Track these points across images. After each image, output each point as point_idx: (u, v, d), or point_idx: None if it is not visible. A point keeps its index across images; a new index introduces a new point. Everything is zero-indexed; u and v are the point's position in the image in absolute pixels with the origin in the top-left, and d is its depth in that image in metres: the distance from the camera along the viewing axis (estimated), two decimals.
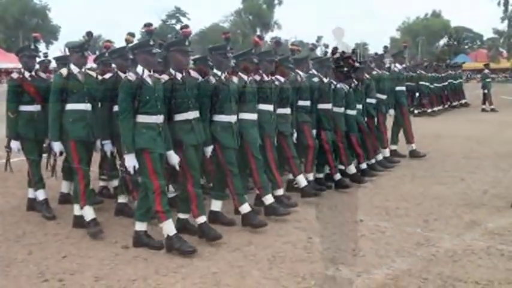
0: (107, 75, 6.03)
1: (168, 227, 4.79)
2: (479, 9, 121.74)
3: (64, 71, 5.45)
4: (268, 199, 5.83)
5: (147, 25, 5.07)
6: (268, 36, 70.37)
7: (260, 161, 5.74)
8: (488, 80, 20.27)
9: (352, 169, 7.62)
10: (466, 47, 78.60)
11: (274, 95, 6.19)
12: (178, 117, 5.04)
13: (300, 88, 6.80)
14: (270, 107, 6.09)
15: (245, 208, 5.52)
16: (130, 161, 4.74)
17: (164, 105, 4.89)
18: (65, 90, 5.37)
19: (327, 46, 7.93)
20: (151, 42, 4.89)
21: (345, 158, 7.54)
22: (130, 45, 5.36)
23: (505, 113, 18.99)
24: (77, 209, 5.54)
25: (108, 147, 5.87)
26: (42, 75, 6.28)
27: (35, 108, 6.01)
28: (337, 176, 7.35)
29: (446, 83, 19.72)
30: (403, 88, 9.89)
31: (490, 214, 6.16)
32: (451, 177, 8.16)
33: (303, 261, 4.66)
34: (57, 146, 5.44)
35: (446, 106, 19.68)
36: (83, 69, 5.58)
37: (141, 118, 4.76)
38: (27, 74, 6.04)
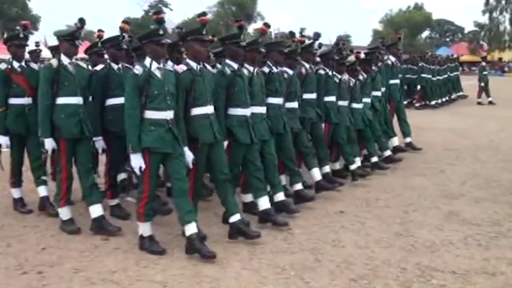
0: (98, 67, 5.69)
1: (145, 228, 4.69)
2: (461, 2, 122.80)
3: (54, 62, 5.10)
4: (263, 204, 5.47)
5: (157, 12, 4.70)
6: (251, 28, 70.21)
7: (273, 158, 5.56)
8: (485, 73, 20.03)
9: (336, 165, 7.57)
10: (448, 39, 79.21)
11: (284, 87, 5.92)
12: (196, 111, 4.73)
13: (305, 80, 6.52)
14: (279, 101, 5.81)
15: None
16: (137, 161, 4.44)
17: (175, 99, 4.58)
18: (55, 83, 5.03)
19: (318, 35, 7.29)
20: (161, 32, 4.56)
21: (335, 154, 7.43)
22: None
23: (487, 106, 19.19)
24: (93, 211, 5.19)
25: (100, 144, 5.58)
26: (33, 65, 5.91)
27: (26, 101, 5.65)
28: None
29: (447, 76, 19.62)
30: (397, 81, 9.48)
31: (468, 205, 6.25)
32: (431, 169, 8.25)
33: (283, 253, 4.68)
34: (49, 143, 5.07)
35: (447, 99, 19.52)
36: (73, 60, 5.23)
37: (149, 114, 4.44)
38: (16, 64, 5.68)
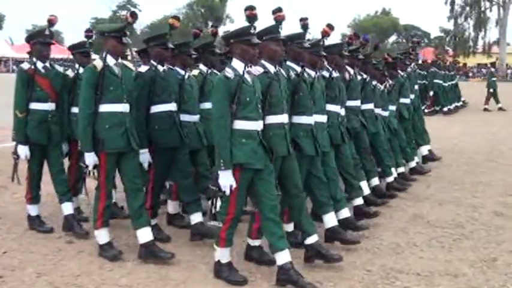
0: (143, 68, 4.95)
1: (223, 254, 4.16)
2: (428, 8, 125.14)
3: (98, 63, 4.41)
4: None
5: (250, 8, 4.06)
6: (220, 30, 69.99)
7: (331, 171, 5.08)
8: (493, 79, 19.90)
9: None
10: None
11: (343, 93, 5.55)
12: (271, 119, 4.18)
13: (349, 86, 5.91)
14: (338, 108, 5.39)
15: (290, 227, 4.88)
16: (227, 179, 3.88)
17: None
18: (99, 88, 4.38)
19: (367, 40, 6.72)
20: (253, 30, 4.02)
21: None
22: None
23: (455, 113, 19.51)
24: (142, 236, 4.54)
25: (146, 157, 4.82)
26: (58, 67, 5.30)
27: (49, 106, 5.07)
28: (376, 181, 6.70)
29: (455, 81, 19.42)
30: (416, 87, 9.17)
31: (432, 208, 6.36)
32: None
33: None
34: (90, 158, 4.40)
35: (458, 105, 19.32)
36: (119, 60, 4.56)
37: (240, 124, 3.93)
38: (40, 65, 5.04)
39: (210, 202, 4.21)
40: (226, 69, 3.99)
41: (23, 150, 5.01)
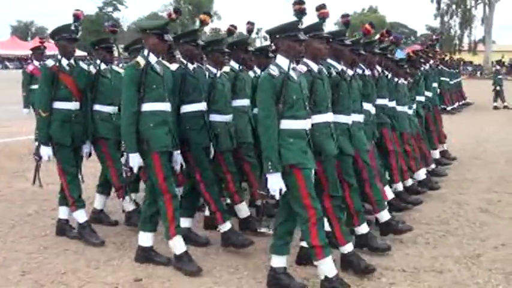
0: (173, 66, 4.70)
1: (326, 267, 3.85)
2: (414, 6, 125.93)
3: (141, 60, 4.21)
4: (384, 216, 5.08)
5: (298, 3, 3.81)
6: (207, 27, 69.92)
7: (372, 170, 4.94)
8: (499, 76, 19.74)
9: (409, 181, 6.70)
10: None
11: (375, 92, 5.44)
12: (318, 119, 4.03)
13: (377, 84, 5.71)
14: (370, 106, 5.27)
15: (364, 228, 4.71)
16: (276, 182, 3.69)
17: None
18: (141, 86, 4.18)
19: (398, 38, 6.47)
20: (300, 25, 3.81)
21: (414, 162, 6.76)
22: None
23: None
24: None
25: (179, 158, 4.55)
26: (82, 64, 5.03)
27: (73, 106, 4.84)
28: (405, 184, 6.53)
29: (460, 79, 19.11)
30: (435, 85, 9.02)
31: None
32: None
33: (236, 253, 4.67)
34: (135, 159, 4.17)
35: (462, 102, 19.11)
36: (160, 58, 4.40)
37: (287, 124, 3.75)
38: (64, 62, 4.80)
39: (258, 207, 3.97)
40: (271, 67, 3.80)
41: (46, 151, 4.77)
